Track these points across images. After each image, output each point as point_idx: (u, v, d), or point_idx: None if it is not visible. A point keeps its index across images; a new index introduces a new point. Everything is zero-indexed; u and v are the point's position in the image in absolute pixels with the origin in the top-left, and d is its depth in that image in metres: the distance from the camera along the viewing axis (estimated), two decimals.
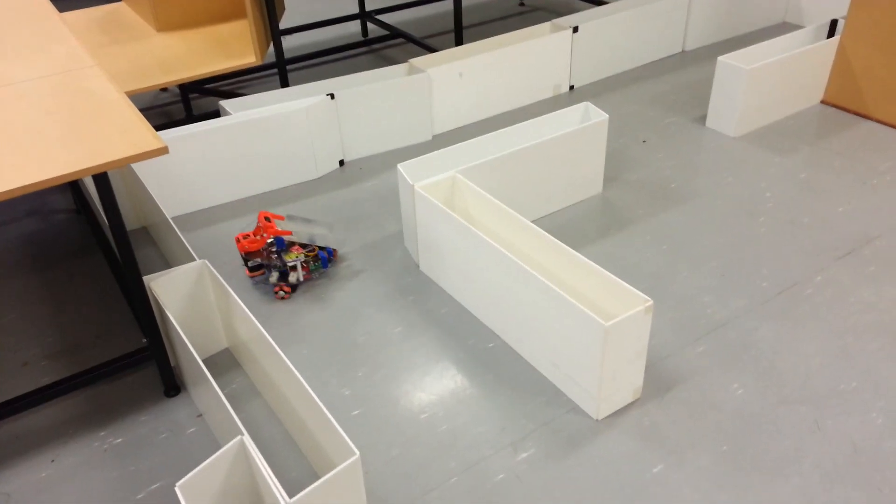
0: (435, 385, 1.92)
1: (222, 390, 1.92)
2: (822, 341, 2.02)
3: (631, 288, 1.79)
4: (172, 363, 1.93)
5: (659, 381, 1.92)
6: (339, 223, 2.62)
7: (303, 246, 2.30)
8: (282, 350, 1.84)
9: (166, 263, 2.43)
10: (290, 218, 2.35)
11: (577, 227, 2.54)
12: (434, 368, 1.98)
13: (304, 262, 2.27)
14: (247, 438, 1.41)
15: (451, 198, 2.35)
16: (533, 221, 2.26)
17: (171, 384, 1.91)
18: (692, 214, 2.58)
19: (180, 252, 2.16)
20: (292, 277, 2.25)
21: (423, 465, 1.70)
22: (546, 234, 2.02)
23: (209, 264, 1.92)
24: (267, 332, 1.70)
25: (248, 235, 2.23)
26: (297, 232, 2.33)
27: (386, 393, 1.90)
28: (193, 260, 1.93)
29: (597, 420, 1.81)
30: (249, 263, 2.25)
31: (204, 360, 2.03)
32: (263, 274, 2.30)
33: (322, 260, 2.32)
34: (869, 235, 2.43)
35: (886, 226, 2.47)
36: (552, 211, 2.63)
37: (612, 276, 1.84)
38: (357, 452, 1.37)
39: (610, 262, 2.36)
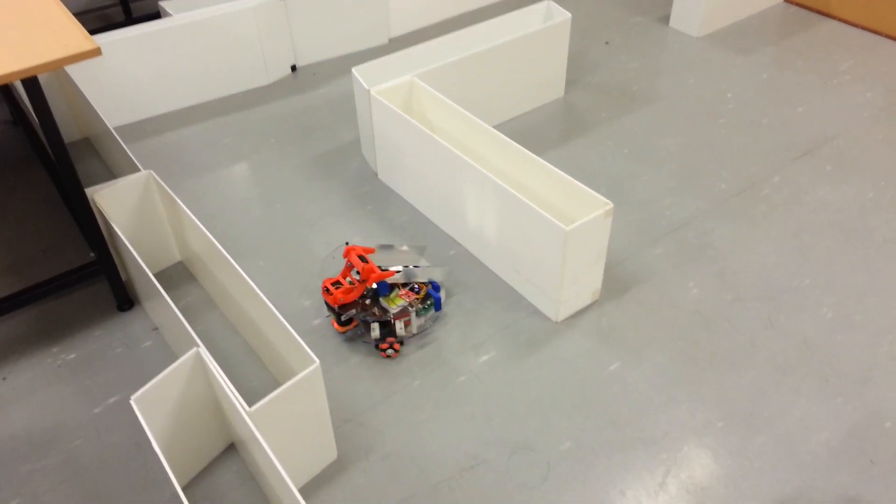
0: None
1: (177, 303, 1.88)
2: (777, 240, 2.05)
3: (591, 191, 1.77)
4: (123, 277, 1.87)
5: (617, 282, 1.93)
6: (293, 132, 2.52)
7: (405, 285, 1.81)
8: (238, 262, 1.81)
9: (111, 176, 2.32)
10: (383, 248, 1.93)
11: (538, 132, 2.49)
12: None
13: (413, 307, 1.76)
14: (202, 350, 1.38)
15: (409, 103, 2.27)
16: (494, 127, 2.20)
17: (124, 298, 1.86)
18: (654, 117, 2.55)
19: (124, 163, 2.05)
20: (400, 329, 1.74)
21: (384, 371, 1.70)
22: (507, 139, 1.97)
23: (155, 175, 1.83)
24: (222, 244, 1.65)
25: (337, 281, 1.76)
26: (402, 269, 1.84)
27: None
28: (138, 171, 1.84)
29: (556, 322, 1.83)
30: (343, 318, 1.74)
31: (157, 274, 1.97)
32: (356, 326, 1.79)
33: (435, 301, 1.80)
34: (827, 135, 2.44)
35: (844, 125, 2.48)
36: (513, 116, 2.57)
37: (573, 180, 1.82)
38: (316, 360, 1.36)
39: (571, 166, 2.33)
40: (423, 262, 1.90)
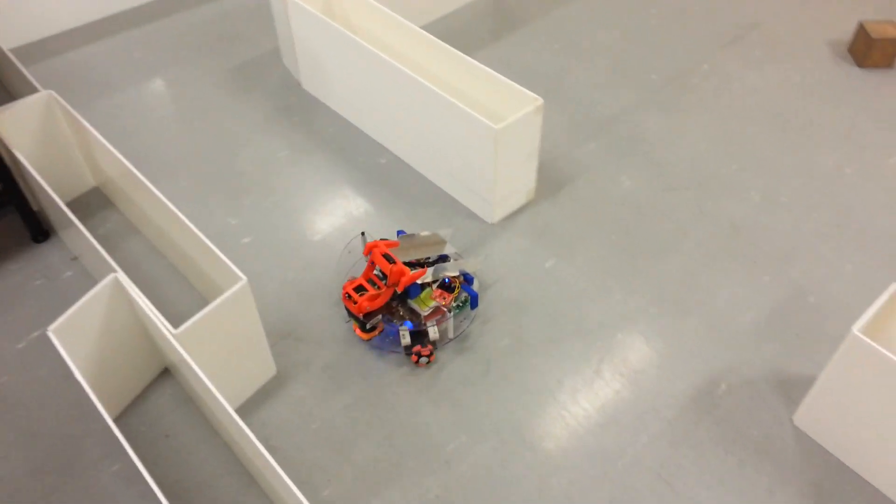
0: (328, 206, 1.86)
1: (95, 231, 1.80)
2: (707, 128, 2.06)
3: (521, 88, 1.72)
4: (35, 207, 1.77)
5: (552, 180, 1.92)
6: (208, 43, 2.37)
7: (435, 281, 1.58)
8: (157, 184, 1.72)
9: (11, 99, 2.16)
10: (408, 239, 1.62)
11: (467, 32, 2.40)
12: (325, 190, 1.90)
13: (448, 307, 1.56)
14: (121, 276, 1.33)
15: (330, 5, 2.14)
16: (420, 27, 2.11)
17: (38, 229, 1.76)
18: (585, 10, 2.48)
19: (23, 86, 1.90)
20: (434, 334, 1.52)
21: (321, 286, 1.68)
22: (434, 39, 1.89)
23: (57, 95, 1.71)
24: (139, 167, 1.56)
25: (360, 285, 1.50)
26: (432, 263, 1.61)
27: (277, 219, 1.83)
28: (37, 91, 1.71)
29: (492, 224, 1.81)
30: (368, 325, 1.52)
31: (71, 202, 1.87)
32: (382, 331, 1.55)
33: (472, 298, 1.59)
34: (755, 21, 2.42)
35: (772, 10, 2.46)
36: (442, 15, 2.47)
37: (502, 77, 1.76)
38: (244, 277, 1.32)
39: (502, 65, 2.27)
40: (451, 250, 1.67)
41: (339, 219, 1.83)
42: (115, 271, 1.34)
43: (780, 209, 1.84)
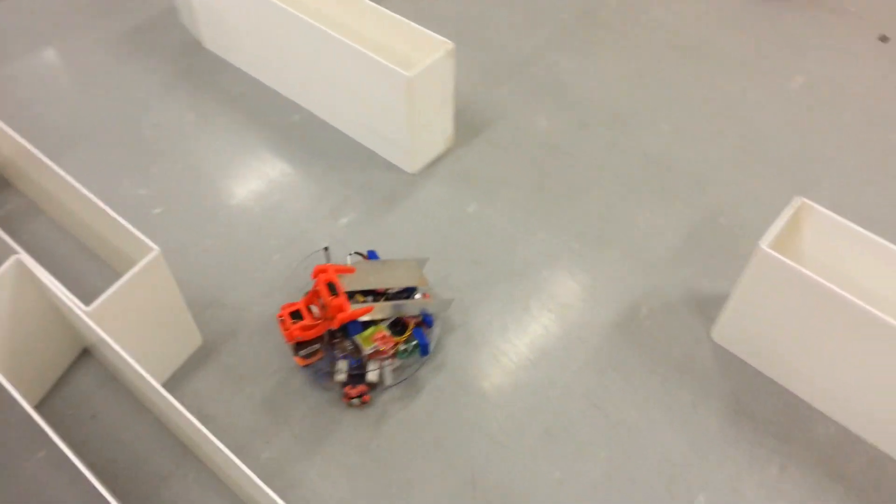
0: (242, 169, 1.81)
1: None
2: (617, 64, 2.08)
3: (431, 34, 1.70)
4: None
5: (469, 125, 1.91)
6: (96, 6, 2.22)
7: (388, 319, 1.43)
8: (57, 160, 1.62)
9: None
10: (375, 265, 1.48)
11: None
12: (238, 152, 1.84)
13: (392, 352, 1.40)
14: (25, 257, 1.26)
15: None
16: None
17: None
18: None
19: None
20: (372, 375, 1.38)
21: (242, 249, 1.64)
22: None
23: None
24: (35, 143, 1.47)
25: (298, 311, 1.37)
26: (385, 303, 1.41)
27: (189, 186, 1.76)
28: None
29: (412, 174, 1.80)
30: (302, 352, 1.40)
31: None
32: (322, 358, 1.41)
33: (421, 347, 1.43)
34: None
35: None
36: None
37: (411, 23, 1.73)
38: (156, 248, 1.27)
39: (412, 11, 2.22)
40: (419, 283, 1.48)
41: (255, 181, 1.78)
42: (15, 252, 1.27)
43: (690, 138, 1.89)
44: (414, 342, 1.41)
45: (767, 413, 1.40)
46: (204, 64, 2.06)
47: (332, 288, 1.34)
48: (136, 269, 1.25)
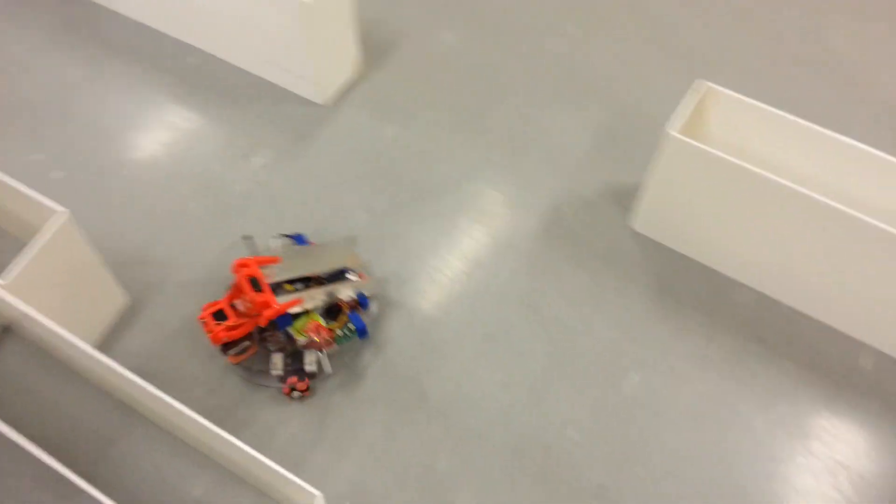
0: (142, 120, 1.72)
1: None
2: None
3: None
4: None
5: (376, 48, 1.87)
6: None
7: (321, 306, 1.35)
8: None
9: None
10: (304, 250, 1.38)
11: None
12: (136, 103, 1.75)
13: (327, 339, 1.32)
14: None
15: None
16: None
17: None
18: None
19: None
20: (310, 365, 1.31)
21: (156, 203, 1.59)
22: None
23: None
24: None
25: (221, 310, 1.28)
26: (314, 290, 1.33)
27: (88, 145, 1.68)
28: None
29: (324, 105, 1.76)
30: (232, 351, 1.32)
31: None
32: (255, 352, 1.34)
33: (358, 330, 1.35)
34: None
35: None
36: None
37: None
38: (64, 210, 1.22)
39: None
40: (351, 263, 1.39)
41: (158, 132, 1.70)
42: None
43: (595, 37, 1.91)
44: (350, 331, 1.34)
45: (690, 290, 1.48)
46: (85, 13, 1.92)
47: (255, 283, 1.25)
48: (46, 235, 1.19)
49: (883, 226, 1.22)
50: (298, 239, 1.45)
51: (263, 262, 1.29)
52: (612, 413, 1.33)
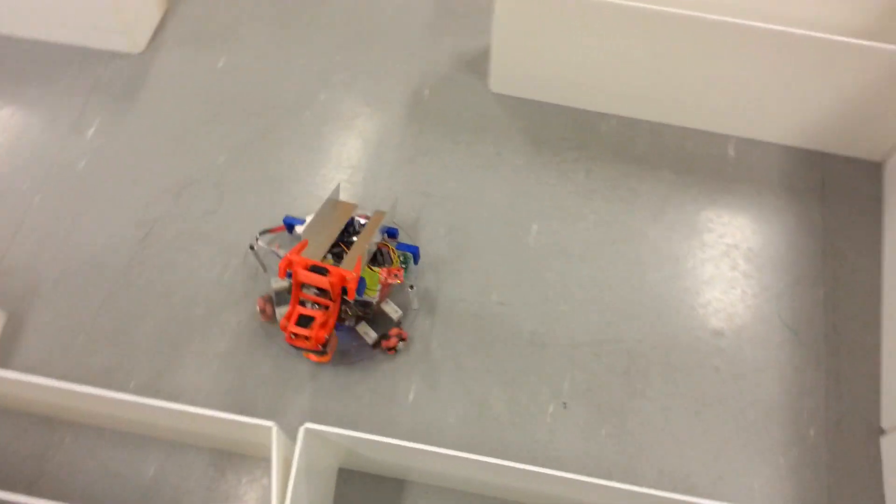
0: None
1: None
2: None
3: None
4: None
5: None
6: None
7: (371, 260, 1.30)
8: None
9: None
10: (308, 231, 1.26)
11: None
12: None
13: (396, 279, 1.27)
14: None
15: None
16: None
17: None
18: None
19: None
20: (395, 313, 1.28)
21: None
22: None
23: None
24: None
25: (302, 315, 1.17)
26: (350, 243, 1.27)
27: None
28: None
29: (140, 53, 1.62)
30: (327, 347, 1.23)
31: None
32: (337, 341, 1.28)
33: (414, 255, 1.34)
34: None
35: None
36: None
37: None
38: None
39: None
40: (353, 210, 1.34)
41: None
42: None
43: None
44: (404, 256, 1.33)
45: (560, 133, 1.53)
46: None
47: (318, 270, 1.18)
48: None
49: (729, 19, 1.28)
50: (289, 221, 1.36)
51: (300, 250, 1.20)
52: (524, 266, 1.38)
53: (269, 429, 0.90)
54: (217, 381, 1.27)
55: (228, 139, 1.51)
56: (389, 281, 1.25)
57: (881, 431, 1.24)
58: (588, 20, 1.35)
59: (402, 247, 1.34)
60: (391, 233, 1.37)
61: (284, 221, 1.36)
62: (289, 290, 1.27)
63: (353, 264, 1.20)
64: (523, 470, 0.95)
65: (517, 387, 1.27)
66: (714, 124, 1.52)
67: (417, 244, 1.37)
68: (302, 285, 1.19)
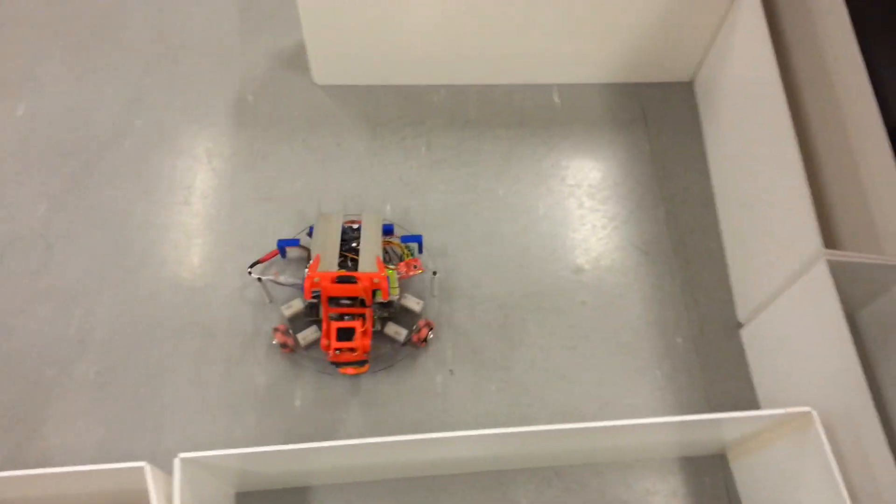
0: None
1: None
2: None
3: None
4: None
5: None
6: None
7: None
8: None
9: None
10: (315, 247, 1.25)
11: None
12: None
13: (414, 268, 1.26)
14: None
15: None
16: None
17: None
18: None
19: None
20: (417, 305, 1.28)
21: None
22: None
23: None
24: None
25: (340, 328, 1.16)
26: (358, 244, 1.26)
27: None
28: None
29: None
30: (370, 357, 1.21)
31: None
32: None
33: (419, 245, 1.33)
34: None
35: None
36: None
37: None
38: None
39: None
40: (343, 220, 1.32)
41: None
42: None
43: None
44: (409, 247, 1.33)
45: (394, 113, 1.53)
46: None
47: (345, 280, 1.16)
48: None
49: None
50: (282, 248, 1.33)
51: (315, 267, 1.19)
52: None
53: (141, 469, 0.85)
54: (253, 421, 1.18)
55: (46, 186, 1.40)
56: (411, 273, 1.26)
57: (739, 325, 1.34)
58: None
59: (406, 238, 1.34)
60: (387, 229, 1.35)
61: (278, 245, 1.32)
62: (306, 313, 1.26)
63: (373, 266, 1.20)
64: (418, 440, 0.95)
65: (402, 365, 1.27)
66: (536, 76, 1.58)
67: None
68: (329, 300, 1.18)
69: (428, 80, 1.56)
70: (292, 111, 1.52)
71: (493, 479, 1.17)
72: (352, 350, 1.16)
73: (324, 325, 1.18)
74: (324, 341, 1.17)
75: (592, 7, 1.42)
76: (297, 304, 1.27)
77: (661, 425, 1.02)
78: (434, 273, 1.31)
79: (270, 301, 1.30)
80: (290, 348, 1.25)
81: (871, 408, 0.98)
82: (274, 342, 1.24)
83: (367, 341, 1.18)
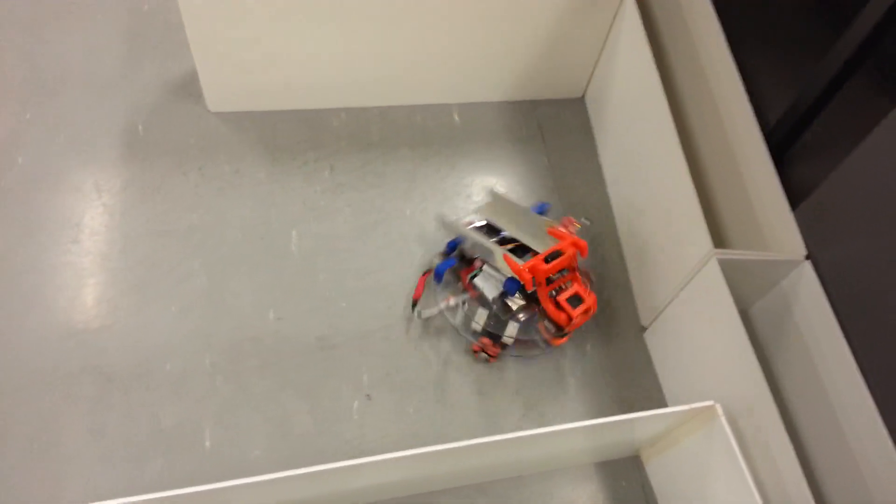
0: None
1: None
2: None
3: None
4: None
5: None
6: None
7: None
8: None
9: None
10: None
11: None
12: None
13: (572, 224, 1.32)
14: None
15: None
16: None
17: None
18: None
19: None
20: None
21: None
22: None
23: None
24: None
25: (571, 296, 1.23)
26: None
27: None
28: None
29: None
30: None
31: None
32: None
33: (544, 212, 1.43)
34: None
35: None
36: None
37: None
38: None
39: None
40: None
41: None
42: None
43: None
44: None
45: (293, 137, 1.51)
46: None
47: (550, 256, 1.21)
48: None
49: None
50: (440, 273, 1.36)
51: (515, 263, 1.22)
52: (294, 275, 1.35)
53: None
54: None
55: None
56: (572, 229, 1.29)
57: (643, 329, 1.39)
58: (278, 22, 1.34)
59: (536, 209, 1.40)
60: (541, 209, 1.42)
61: (437, 271, 1.33)
62: (497, 314, 1.27)
63: (547, 237, 1.25)
64: (330, 469, 0.92)
65: (317, 395, 1.23)
66: (435, 97, 1.59)
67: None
68: (547, 280, 1.21)
69: (327, 104, 1.55)
70: (186, 140, 1.46)
71: (418, 502, 1.16)
72: (586, 311, 1.22)
73: (549, 306, 1.22)
74: (562, 316, 1.21)
75: (485, 28, 1.45)
76: (481, 314, 1.26)
77: (576, 430, 1.04)
78: (587, 220, 1.40)
79: (458, 324, 1.31)
80: (494, 357, 1.27)
81: (770, 397, 1.03)
82: (482, 356, 1.28)
83: (595, 297, 1.24)
